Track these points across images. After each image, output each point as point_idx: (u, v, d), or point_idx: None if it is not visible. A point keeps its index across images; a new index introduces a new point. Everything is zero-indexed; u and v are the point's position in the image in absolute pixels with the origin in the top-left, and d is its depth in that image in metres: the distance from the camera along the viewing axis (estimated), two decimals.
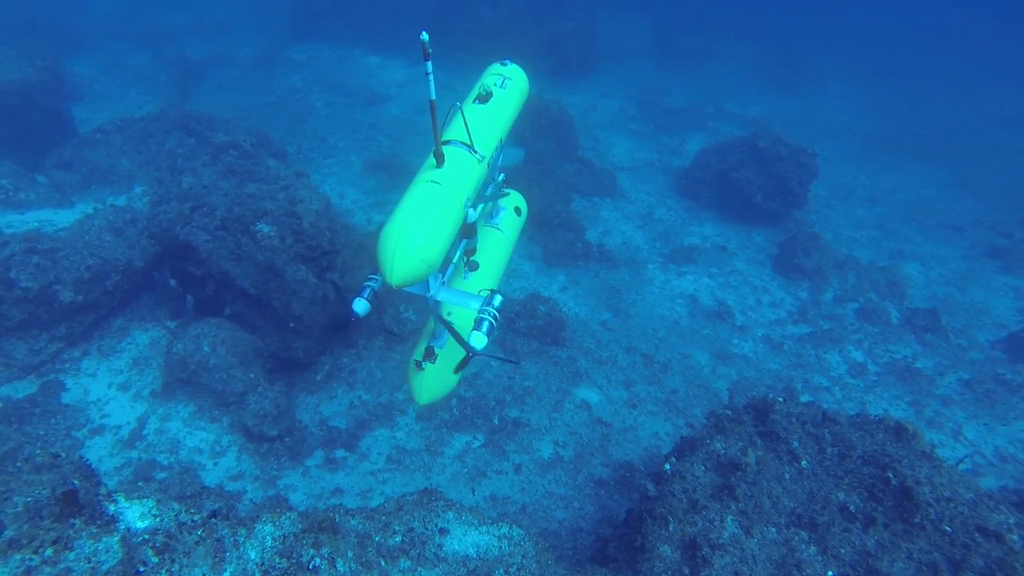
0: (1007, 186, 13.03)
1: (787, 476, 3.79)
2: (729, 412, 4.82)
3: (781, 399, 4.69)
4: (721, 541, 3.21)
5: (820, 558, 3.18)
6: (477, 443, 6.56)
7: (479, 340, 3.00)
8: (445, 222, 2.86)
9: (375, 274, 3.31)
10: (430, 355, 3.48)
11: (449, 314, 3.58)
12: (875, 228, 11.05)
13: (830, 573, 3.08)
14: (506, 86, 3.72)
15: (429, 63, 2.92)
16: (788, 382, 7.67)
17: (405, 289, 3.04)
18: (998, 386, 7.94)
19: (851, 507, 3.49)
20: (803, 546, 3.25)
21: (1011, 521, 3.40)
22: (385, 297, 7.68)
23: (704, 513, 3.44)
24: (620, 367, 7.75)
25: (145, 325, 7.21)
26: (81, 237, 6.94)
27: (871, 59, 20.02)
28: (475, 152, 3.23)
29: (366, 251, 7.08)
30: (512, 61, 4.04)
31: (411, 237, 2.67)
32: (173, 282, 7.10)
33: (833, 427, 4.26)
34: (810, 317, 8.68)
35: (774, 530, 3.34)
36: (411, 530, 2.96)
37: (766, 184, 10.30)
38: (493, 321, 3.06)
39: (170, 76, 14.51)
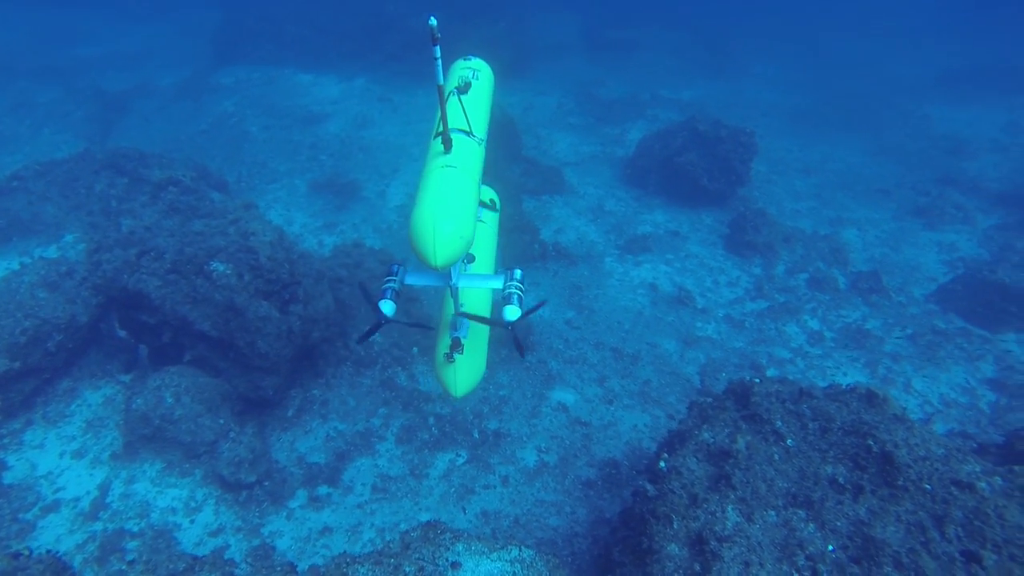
0: (918, 148, 13.84)
1: (776, 457, 3.92)
2: (710, 399, 4.94)
3: (758, 380, 4.85)
4: (726, 532, 3.29)
5: (819, 534, 3.30)
6: (461, 460, 6.51)
7: (513, 312, 3.16)
8: (470, 201, 3.00)
9: (391, 276, 3.43)
10: (457, 346, 3.51)
11: (462, 305, 3.65)
12: (813, 198, 11.55)
13: (830, 547, 3.20)
14: (478, 77, 3.86)
15: (437, 48, 3.00)
16: (753, 358, 7.93)
17: (423, 284, 3.41)
18: (936, 336, 8.44)
19: (839, 479, 3.64)
20: (802, 525, 3.37)
21: (977, 470, 3.62)
22: (349, 319, 7.55)
23: (705, 506, 3.52)
24: (591, 364, 7.84)
25: (96, 383, 6.80)
26: (11, 297, 6.50)
27: (787, 39, 20.89)
28: (473, 136, 3.38)
29: (326, 278, 6.92)
30: (473, 56, 4.12)
31: (446, 218, 2.78)
32: (123, 333, 6.74)
33: (811, 402, 4.42)
34: (766, 292, 9.00)
35: (773, 513, 3.45)
36: (422, 569, 2.91)
37: (710, 166, 10.61)
38: (520, 293, 3.23)
39: (88, 112, 13.76)
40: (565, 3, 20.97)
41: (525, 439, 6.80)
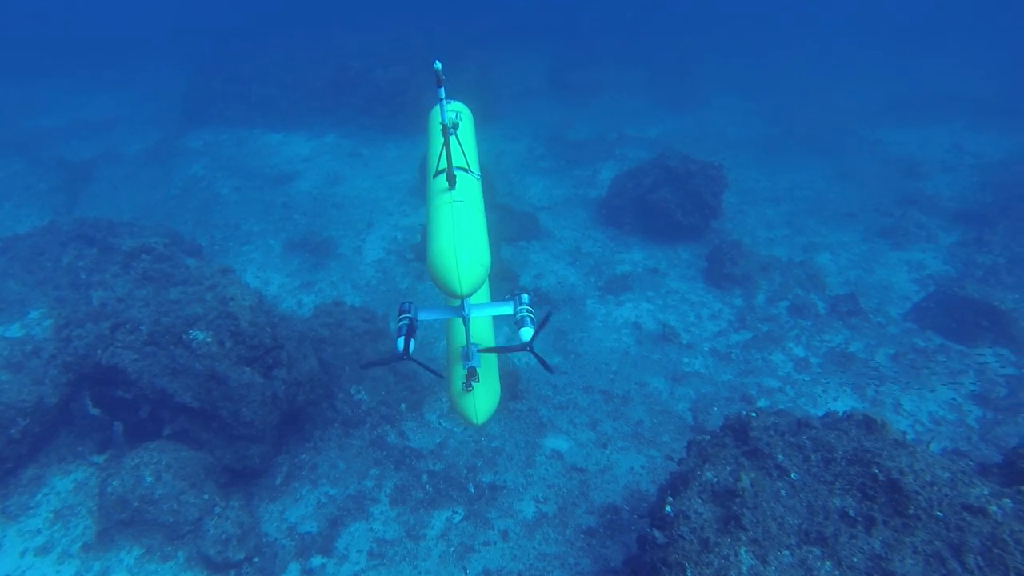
0: (877, 172, 14.37)
1: (783, 492, 3.86)
2: (708, 437, 4.88)
3: (755, 414, 4.81)
4: None
5: (837, 572, 3.22)
6: (458, 517, 6.30)
7: (528, 334, 3.38)
8: (482, 231, 3.23)
9: (403, 315, 3.52)
10: (473, 375, 3.61)
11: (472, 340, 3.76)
12: (785, 226, 11.82)
13: None
14: (461, 118, 4.03)
15: (442, 89, 3.23)
16: (743, 390, 7.93)
17: (436, 318, 3.62)
18: (917, 355, 8.57)
19: (849, 511, 3.58)
20: (818, 563, 3.29)
21: (986, 492, 3.61)
22: (338, 378, 7.36)
23: (717, 551, 3.42)
24: (581, 408, 7.75)
25: (65, 467, 6.42)
26: None
27: (743, 70, 21.76)
28: (471, 172, 3.61)
29: (309, 339, 6.78)
30: (452, 100, 4.24)
31: (464, 249, 2.96)
32: (96, 411, 6.45)
33: (810, 432, 4.39)
34: (749, 322, 9.08)
35: (787, 553, 3.36)
36: None
37: (683, 201, 10.82)
38: (531, 316, 3.46)
39: (52, 183, 13.54)
40: (529, 48, 21.65)
41: (522, 490, 6.63)
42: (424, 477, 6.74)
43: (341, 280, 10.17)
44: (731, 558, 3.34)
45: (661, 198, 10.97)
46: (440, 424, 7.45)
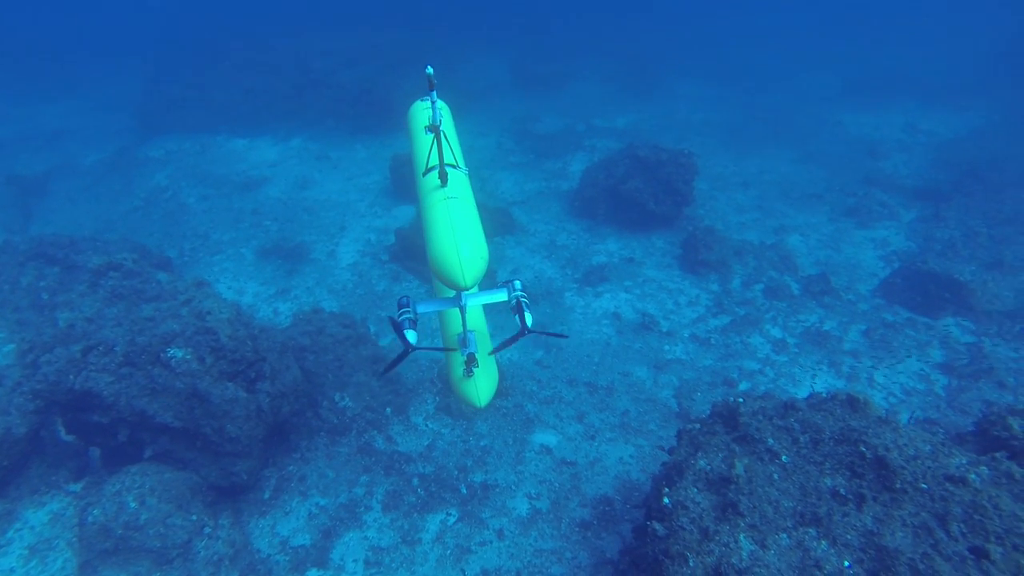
0: (839, 153, 14.75)
1: (776, 476, 3.95)
2: (699, 426, 4.97)
3: (742, 400, 4.91)
4: (743, 564, 3.26)
5: (833, 551, 3.32)
6: (452, 519, 6.30)
7: (527, 318, 3.45)
8: (478, 224, 3.35)
9: (404, 308, 3.58)
10: (472, 361, 3.74)
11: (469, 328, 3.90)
12: (755, 210, 12.05)
13: (847, 564, 3.22)
14: (441, 114, 4.04)
15: (434, 92, 3.37)
16: (725, 374, 8.08)
17: (434, 310, 3.72)
18: (887, 329, 8.85)
19: (840, 490, 3.69)
20: (815, 544, 3.38)
21: (964, 462, 3.76)
22: (322, 388, 7.26)
23: (718, 538, 3.49)
24: (567, 402, 7.80)
25: (39, 499, 6.07)
26: None
27: (705, 59, 22.04)
28: (460, 168, 3.73)
29: (290, 349, 6.67)
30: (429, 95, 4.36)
31: (464, 243, 3.10)
32: (70, 438, 6.18)
33: (796, 414, 4.51)
34: (726, 307, 9.24)
35: (785, 536, 3.45)
36: None
37: (655, 190, 10.93)
38: (527, 300, 3.54)
39: (2, 199, 12.99)
40: (491, 44, 21.54)
41: (514, 488, 6.65)
42: (415, 481, 6.71)
43: (316, 285, 10.02)
44: (731, 545, 3.42)
45: (633, 188, 11.06)
46: (427, 426, 7.43)
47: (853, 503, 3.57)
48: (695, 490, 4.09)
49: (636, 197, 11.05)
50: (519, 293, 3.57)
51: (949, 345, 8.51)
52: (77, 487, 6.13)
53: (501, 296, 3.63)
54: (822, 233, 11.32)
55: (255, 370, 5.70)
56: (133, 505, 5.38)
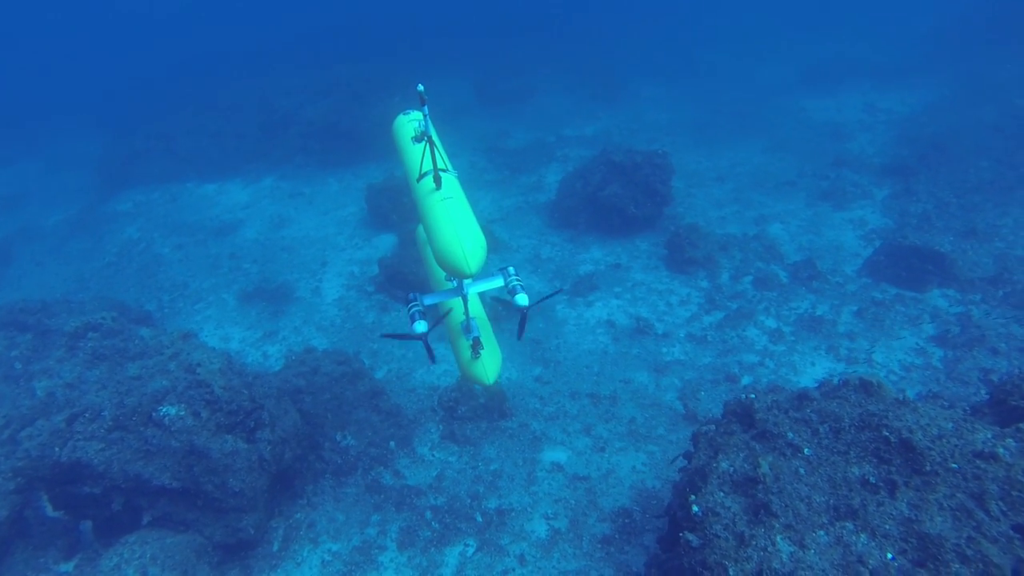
0: (806, 138, 14.99)
1: (802, 471, 3.88)
2: (713, 427, 4.89)
3: (753, 395, 4.85)
4: (785, 568, 3.17)
5: (874, 543, 3.24)
6: (471, 549, 6.12)
7: (523, 299, 3.86)
8: (473, 219, 3.70)
9: (413, 298, 3.97)
10: (478, 344, 4.13)
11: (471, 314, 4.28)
12: (733, 203, 12.14)
13: (890, 556, 3.14)
14: (423, 125, 4.38)
15: (425, 107, 3.77)
16: (726, 370, 8.04)
17: (440, 300, 4.17)
18: (878, 308, 8.91)
19: (870, 478, 3.62)
20: (854, 538, 3.30)
21: (990, 436, 3.72)
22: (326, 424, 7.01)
23: (755, 543, 3.39)
24: (572, 415, 7.69)
25: None
26: None
27: (665, 60, 22.34)
28: (450, 171, 4.03)
29: (286, 393, 6.46)
30: (411, 110, 4.75)
31: (466, 236, 3.49)
32: (58, 513, 5.80)
33: (812, 404, 4.45)
34: (718, 302, 9.24)
35: (822, 533, 3.37)
36: None
37: (634, 193, 10.95)
38: (520, 284, 3.96)
39: None
40: (452, 67, 21.61)
41: (530, 510, 6.50)
42: (428, 514, 6.52)
43: (304, 324, 9.81)
44: (769, 548, 3.32)
45: (612, 193, 11.08)
46: (434, 456, 7.25)
47: (885, 490, 3.51)
48: (722, 494, 4.00)
49: (615, 202, 11.06)
50: (514, 277, 4.01)
51: (939, 317, 8.60)
52: (69, 567, 5.75)
53: (498, 282, 4.04)
54: (801, 219, 11.43)
55: (253, 419, 5.49)
56: None
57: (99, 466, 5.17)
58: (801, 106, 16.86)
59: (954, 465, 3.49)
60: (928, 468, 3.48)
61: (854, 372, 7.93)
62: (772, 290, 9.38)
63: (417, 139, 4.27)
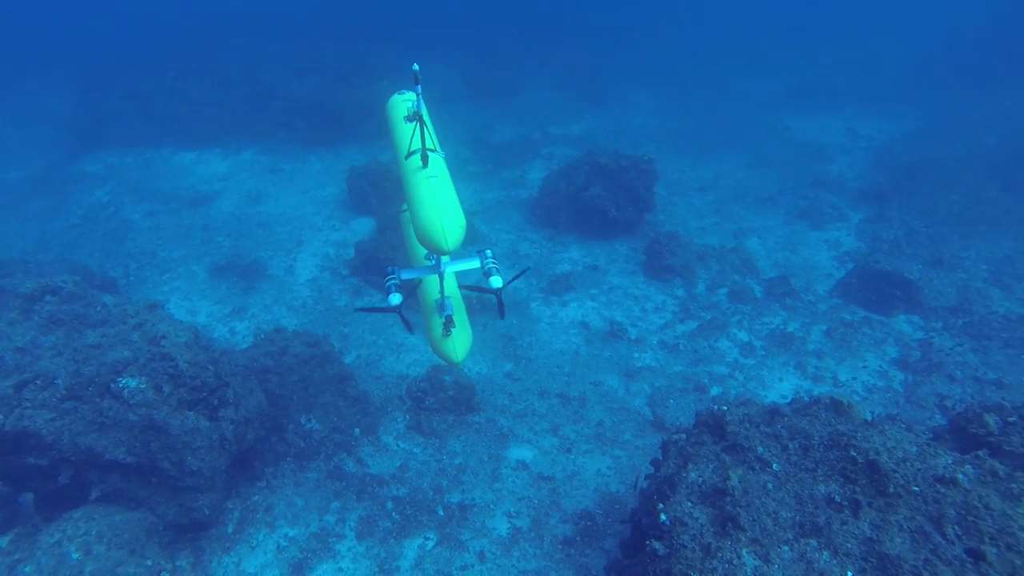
0: (787, 157, 15.25)
1: (770, 486, 3.91)
2: (684, 436, 4.91)
3: (726, 408, 4.88)
4: None
5: (835, 561, 3.28)
6: (431, 543, 6.06)
7: (498, 282, 4.00)
8: (455, 198, 3.84)
9: (391, 271, 4.09)
10: (450, 323, 4.26)
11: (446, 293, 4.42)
12: (713, 214, 12.27)
13: (850, 574, 3.19)
14: (421, 105, 4.48)
15: (419, 87, 3.90)
16: (696, 379, 8.11)
17: (416, 276, 4.31)
18: (846, 328, 9.11)
19: (835, 496, 3.67)
20: (816, 555, 3.34)
21: (950, 461, 3.81)
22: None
23: (720, 555, 3.41)
24: (540, 414, 7.68)
25: None
26: None
27: (655, 67, 22.45)
28: (438, 152, 4.19)
29: (253, 372, 6.29)
30: (406, 90, 4.87)
31: (446, 214, 3.62)
32: None
33: (783, 420, 4.50)
34: (692, 312, 9.32)
35: (787, 548, 3.40)
36: None
37: (616, 197, 10.97)
38: (496, 266, 4.09)
39: None
40: (442, 55, 21.33)
41: (492, 506, 6.46)
42: (389, 504, 6.43)
43: (274, 303, 9.58)
44: (735, 561, 3.34)
45: (595, 195, 11.08)
46: (399, 446, 7.16)
47: (849, 510, 3.56)
48: (690, 504, 4.01)
49: (598, 204, 11.07)
50: (490, 260, 4.13)
51: (903, 341, 8.83)
52: (3, 541, 5.43)
53: (474, 263, 4.17)
54: (778, 235, 11.62)
55: (217, 396, 5.32)
56: (76, 556, 4.88)
57: (47, 436, 4.94)
58: (786, 124, 17.13)
59: (916, 488, 3.56)
60: (892, 490, 3.55)
61: (820, 390, 8.14)
62: (746, 304, 9.50)
63: (409, 118, 4.38)
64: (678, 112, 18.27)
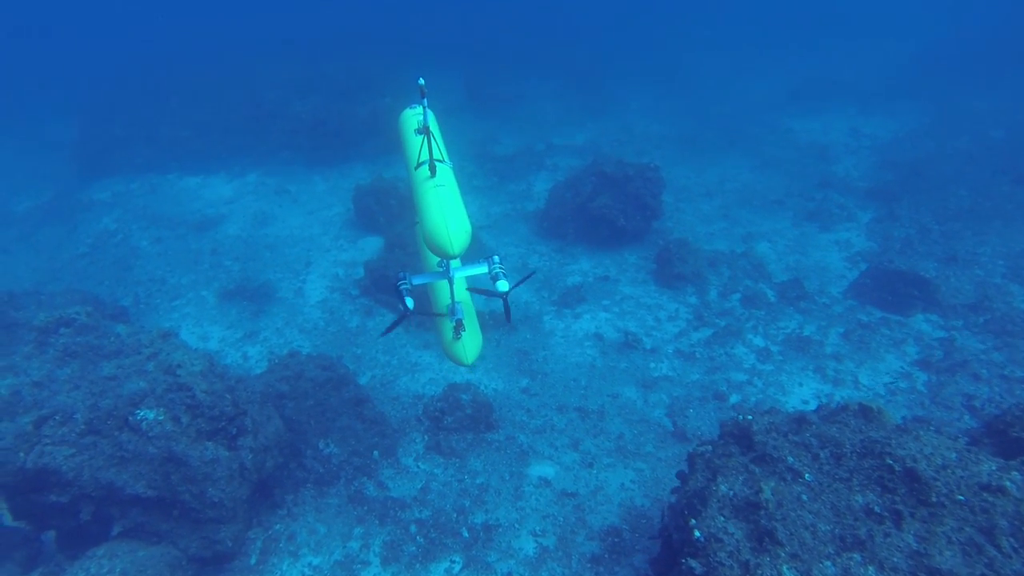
0: (792, 158, 15.19)
1: (804, 497, 3.82)
2: (710, 448, 4.82)
3: (751, 417, 4.80)
4: None
5: None
6: (457, 566, 5.97)
7: (504, 285, 4.12)
8: (461, 206, 4.01)
9: (402, 276, 4.25)
10: (460, 326, 4.39)
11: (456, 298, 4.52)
12: (721, 219, 12.20)
13: None
14: (424, 117, 4.67)
15: (425, 99, 4.06)
16: (714, 388, 8.02)
17: (427, 281, 4.43)
18: (864, 330, 9.00)
19: (874, 507, 3.58)
20: (861, 570, 3.25)
21: (994, 468, 3.71)
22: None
23: (760, 572, 3.32)
24: (559, 429, 7.59)
25: None
26: None
27: (654, 72, 22.44)
28: (445, 162, 4.39)
29: (270, 398, 6.24)
30: (415, 103, 4.97)
31: (451, 220, 3.79)
32: (18, 523, 5.42)
33: (810, 428, 4.42)
34: (706, 319, 9.23)
35: (829, 564, 3.31)
36: None
37: (624, 206, 10.92)
38: (503, 271, 4.22)
39: None
40: (444, 68, 21.41)
41: (517, 526, 6.37)
42: (413, 528, 6.35)
43: (286, 326, 9.54)
44: None
45: (602, 205, 11.03)
46: (419, 467, 7.08)
47: (891, 521, 3.47)
48: (723, 519, 3.92)
49: (605, 214, 11.02)
50: (497, 265, 4.26)
51: (923, 341, 8.71)
52: None
53: (482, 269, 4.32)
54: (788, 238, 11.53)
55: (236, 425, 5.27)
56: None
57: (68, 473, 4.89)
58: (788, 126, 17.08)
59: (960, 497, 3.47)
60: (934, 499, 3.45)
61: (842, 394, 8.02)
62: (760, 308, 9.41)
63: (419, 131, 4.54)
64: (680, 117, 18.23)
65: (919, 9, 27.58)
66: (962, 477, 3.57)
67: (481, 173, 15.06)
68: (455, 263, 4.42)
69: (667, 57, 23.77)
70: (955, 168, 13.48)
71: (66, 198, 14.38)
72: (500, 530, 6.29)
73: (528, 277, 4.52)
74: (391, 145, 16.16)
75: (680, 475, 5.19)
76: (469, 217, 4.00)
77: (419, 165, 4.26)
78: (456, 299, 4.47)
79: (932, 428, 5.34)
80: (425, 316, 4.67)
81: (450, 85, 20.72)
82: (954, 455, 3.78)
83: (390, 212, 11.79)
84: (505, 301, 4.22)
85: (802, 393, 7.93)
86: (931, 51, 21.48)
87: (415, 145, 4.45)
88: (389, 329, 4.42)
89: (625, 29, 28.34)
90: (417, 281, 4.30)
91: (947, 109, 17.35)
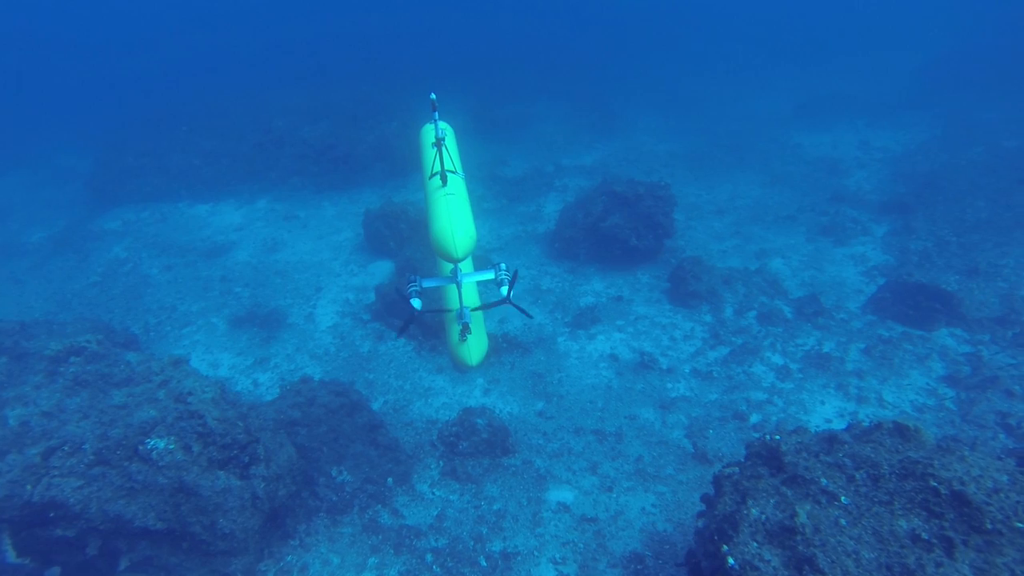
0: (803, 173, 15.09)
1: (843, 522, 3.63)
2: (737, 469, 4.63)
3: (779, 436, 4.62)
4: None
5: None
6: None
7: (503, 291, 4.40)
8: (469, 214, 4.24)
9: (411, 280, 4.49)
10: (466, 329, 4.53)
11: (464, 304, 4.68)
12: (733, 236, 12.06)
13: None
14: (445, 133, 4.86)
15: (436, 113, 4.44)
16: (733, 407, 7.81)
17: (436, 284, 4.68)
18: (885, 345, 8.77)
19: (922, 534, 3.38)
20: None
21: None
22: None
23: None
24: (577, 453, 7.40)
25: None
26: None
27: (661, 91, 22.55)
28: (457, 173, 4.65)
29: (283, 425, 6.10)
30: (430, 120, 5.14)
31: (458, 226, 4.02)
32: (22, 560, 5.28)
33: (843, 448, 4.23)
34: (723, 337, 9.05)
35: None
36: None
37: (636, 225, 10.82)
38: (509, 278, 4.50)
39: None
40: (450, 93, 21.64)
41: (536, 553, 6.16)
42: (429, 557, 6.15)
43: (297, 352, 9.45)
44: None
45: (614, 224, 10.94)
46: (434, 494, 6.90)
47: (941, 549, 3.26)
48: (756, 544, 3.73)
49: (617, 234, 10.92)
50: (504, 272, 4.53)
51: (949, 357, 8.47)
52: None
53: (489, 275, 4.56)
54: (802, 254, 11.37)
55: (248, 453, 5.13)
56: None
57: (75, 506, 4.76)
58: (797, 141, 17.01)
59: (1020, 525, 3.26)
60: (989, 526, 3.25)
61: (866, 412, 7.78)
62: (777, 326, 9.22)
63: (435, 144, 4.75)
64: (687, 135, 18.23)
65: (923, 21, 27.70)
66: (1018, 502, 3.36)
67: (490, 195, 15.04)
68: (465, 268, 4.72)
69: (672, 74, 23.94)
70: (970, 179, 13.31)
71: (77, 228, 14.49)
72: (519, 558, 6.08)
73: (514, 279, 4.62)
74: (399, 169, 16.26)
75: (705, 498, 4.98)
76: (475, 226, 4.23)
77: (432, 175, 4.53)
78: (464, 304, 4.64)
79: (966, 447, 5.12)
80: (433, 313, 4.87)
81: (455, 108, 20.86)
82: (1005, 477, 3.58)
83: (400, 236, 11.76)
84: (512, 303, 4.43)
85: (824, 411, 7.70)
86: (938, 63, 21.46)
87: (430, 157, 4.72)
88: (402, 331, 4.60)
89: (629, 49, 28.61)
90: (427, 284, 4.55)
91: (957, 120, 17.24)
